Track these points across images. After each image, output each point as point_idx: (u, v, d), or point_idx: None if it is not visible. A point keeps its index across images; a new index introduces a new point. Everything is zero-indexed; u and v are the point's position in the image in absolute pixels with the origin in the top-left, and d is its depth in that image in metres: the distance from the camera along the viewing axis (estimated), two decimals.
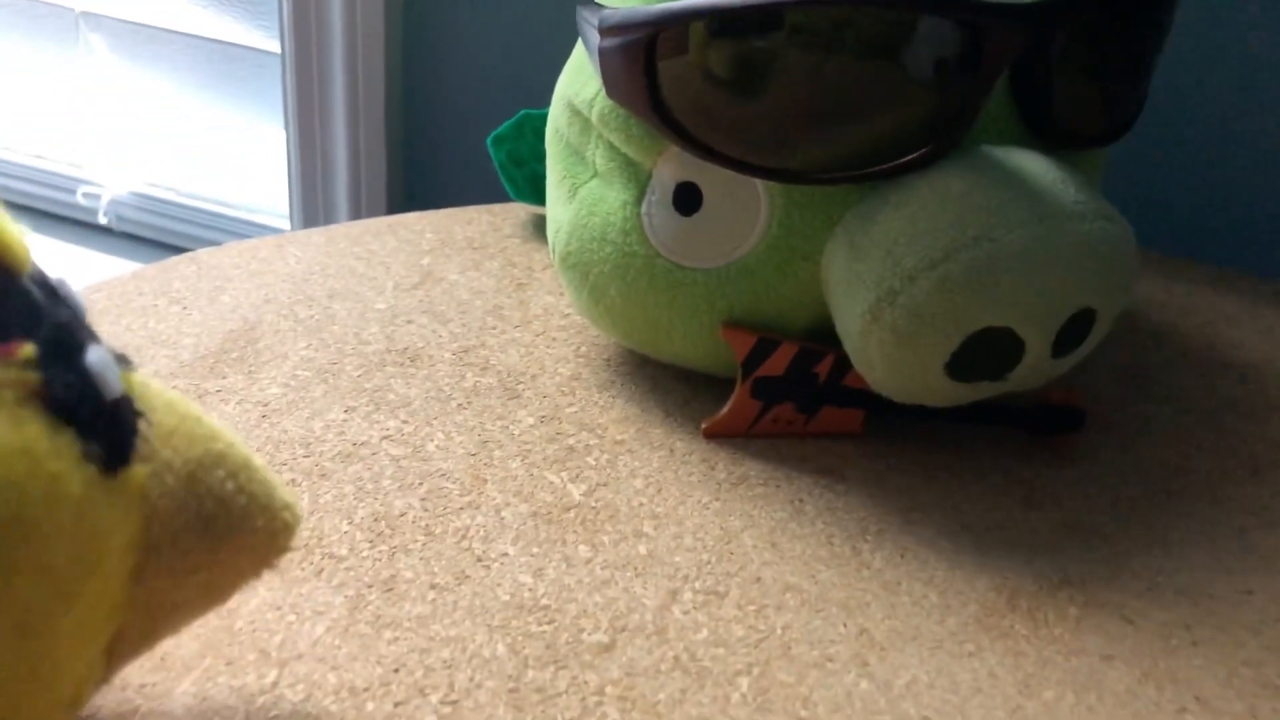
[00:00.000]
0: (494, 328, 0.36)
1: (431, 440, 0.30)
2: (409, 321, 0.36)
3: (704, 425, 0.31)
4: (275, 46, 0.61)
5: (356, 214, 0.61)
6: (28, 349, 0.17)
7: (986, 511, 0.29)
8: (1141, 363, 0.37)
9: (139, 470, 0.18)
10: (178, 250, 0.40)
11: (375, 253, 0.41)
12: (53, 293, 0.18)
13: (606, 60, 0.29)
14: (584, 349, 0.35)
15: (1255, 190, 0.49)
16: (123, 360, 0.19)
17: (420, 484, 0.29)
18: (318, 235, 0.42)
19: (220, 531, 0.20)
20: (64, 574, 0.17)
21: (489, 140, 0.41)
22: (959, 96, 0.27)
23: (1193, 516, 0.29)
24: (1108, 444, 0.32)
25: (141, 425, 0.18)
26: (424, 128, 0.62)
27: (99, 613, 0.18)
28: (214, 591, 0.20)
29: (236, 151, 0.73)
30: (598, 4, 0.31)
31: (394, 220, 0.43)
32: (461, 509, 0.28)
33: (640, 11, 0.28)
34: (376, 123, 0.59)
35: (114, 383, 0.18)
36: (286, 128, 0.62)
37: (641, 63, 0.28)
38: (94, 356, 0.18)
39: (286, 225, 0.65)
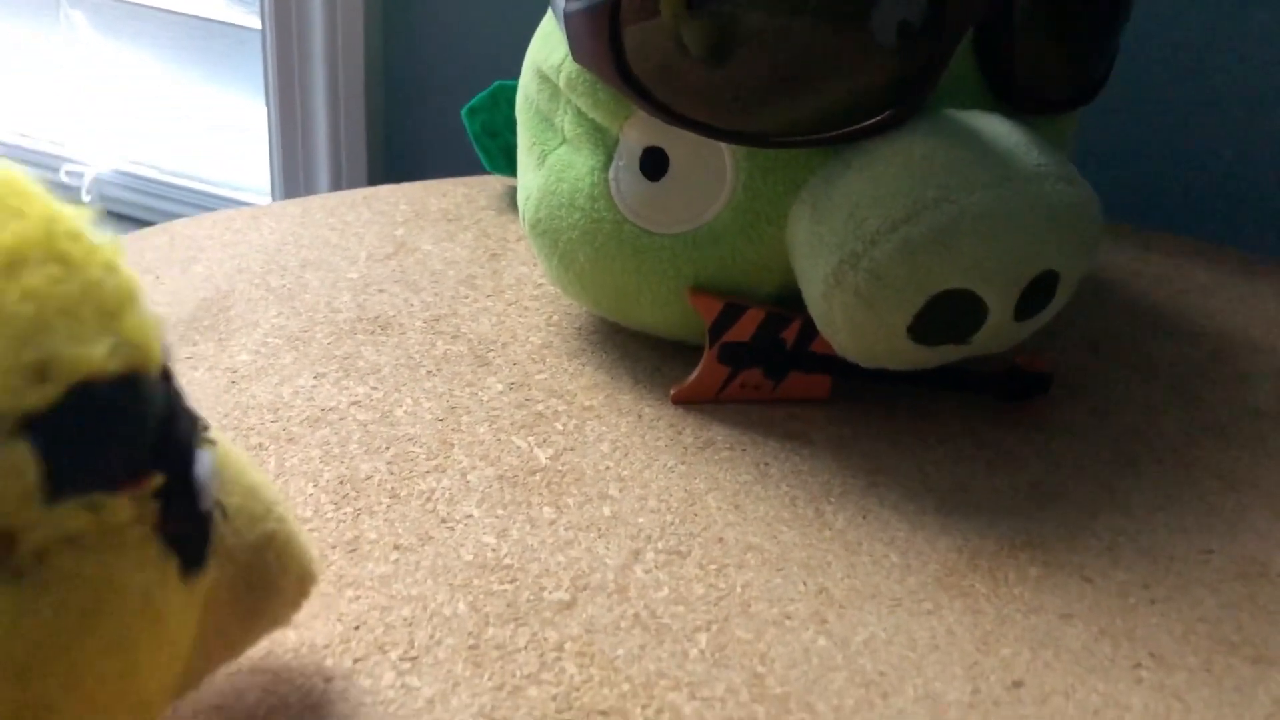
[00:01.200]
0: (466, 297, 0.36)
1: (400, 406, 0.30)
2: (381, 290, 0.36)
3: (672, 391, 0.31)
4: (256, 22, 0.61)
5: (337, 188, 0.61)
6: (157, 480, 0.16)
7: (950, 474, 0.29)
8: (1112, 331, 0.37)
9: (212, 567, 0.18)
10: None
11: (349, 224, 0.41)
12: (169, 384, 0.17)
13: (572, 24, 0.29)
14: (555, 318, 0.35)
15: (1232, 162, 0.49)
16: (203, 428, 0.18)
17: (387, 448, 0.29)
18: (293, 207, 0.42)
19: (259, 610, 0.19)
20: (152, 696, 0.16)
21: (463, 112, 0.41)
22: (921, 60, 0.27)
23: (1157, 480, 0.29)
24: (1074, 409, 0.32)
25: (217, 517, 0.18)
26: (404, 102, 0.62)
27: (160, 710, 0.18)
28: (238, 654, 0.20)
29: (219, 128, 0.73)
30: None
31: (369, 192, 0.43)
32: (427, 473, 0.28)
33: None
34: (356, 97, 0.59)
35: (213, 491, 0.17)
36: (267, 103, 0.62)
37: (606, 26, 0.28)
38: (203, 469, 0.17)
39: (269, 201, 0.65)
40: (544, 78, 0.32)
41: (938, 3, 0.26)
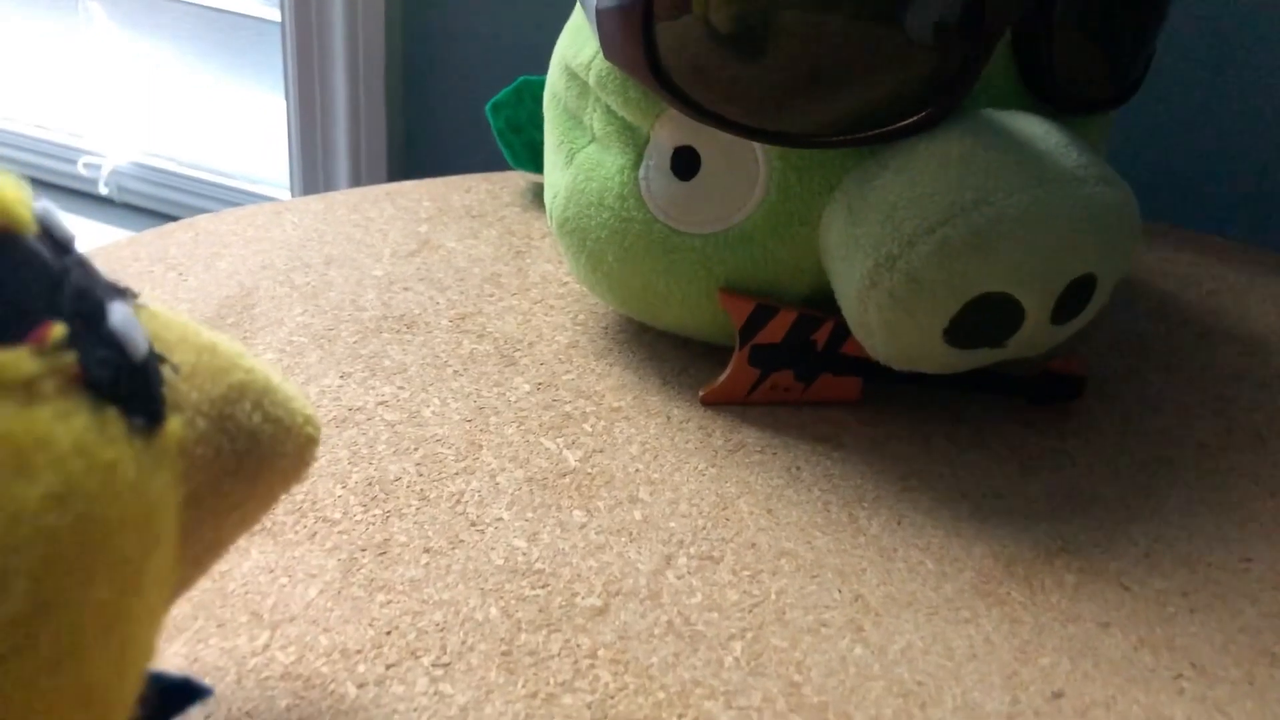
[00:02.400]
0: (491, 295, 0.36)
1: (427, 406, 0.30)
2: (406, 289, 0.36)
3: (701, 392, 0.31)
4: (275, 14, 0.61)
5: (356, 183, 0.60)
6: (58, 330, 0.15)
7: (984, 479, 0.29)
8: (1143, 332, 0.36)
9: (173, 422, 0.17)
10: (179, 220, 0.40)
11: (373, 220, 0.40)
12: (59, 246, 0.17)
13: (604, 21, 0.29)
14: (582, 317, 0.35)
15: (1265, 162, 0.48)
16: (128, 295, 0.18)
17: (415, 449, 0.28)
18: (315, 203, 0.42)
19: (254, 466, 0.19)
20: (135, 560, 0.16)
21: (487, 107, 0.41)
22: (959, 59, 0.27)
23: (1192, 485, 0.29)
24: (1108, 413, 0.32)
25: (167, 372, 0.18)
26: (424, 96, 0.62)
27: (163, 583, 0.17)
28: (250, 520, 0.20)
29: (237, 121, 0.73)
30: None
31: (392, 188, 0.43)
32: (456, 474, 0.28)
33: None
34: (376, 91, 0.58)
35: (140, 340, 0.17)
36: (286, 96, 0.61)
37: (639, 24, 0.28)
38: (118, 317, 0.16)
39: (287, 195, 0.65)
40: (573, 75, 0.32)
41: (976, 2, 0.26)
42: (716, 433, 0.30)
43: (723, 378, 0.31)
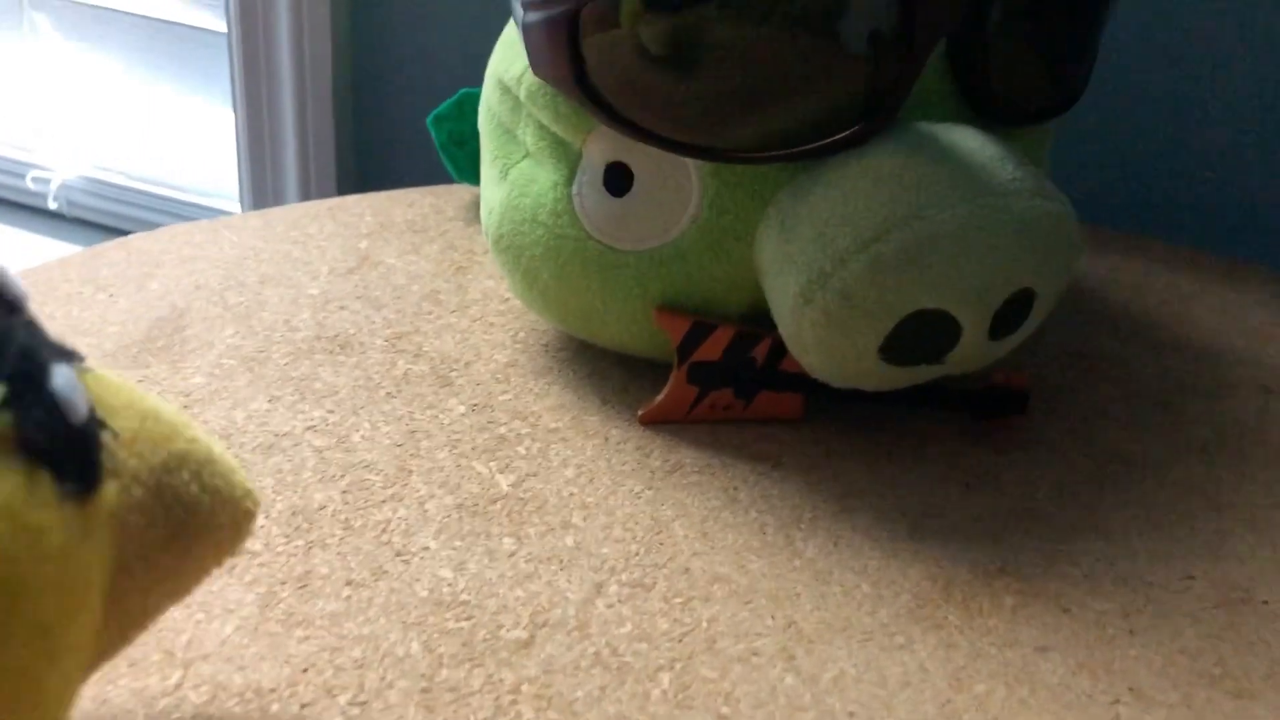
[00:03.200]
0: (429, 313, 0.35)
1: (357, 430, 0.29)
2: (342, 308, 0.35)
3: (640, 412, 0.31)
4: (222, 26, 0.60)
5: (306, 195, 0.60)
6: None
7: (925, 497, 0.28)
8: (1092, 342, 0.36)
9: (109, 489, 0.17)
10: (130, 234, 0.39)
11: (312, 236, 0.40)
12: (8, 305, 0.16)
13: (531, 36, 0.28)
14: (522, 335, 0.34)
15: (1215, 165, 0.48)
16: (73, 357, 0.17)
17: (342, 476, 0.28)
18: (254, 219, 0.41)
19: (188, 537, 0.19)
20: (54, 627, 0.16)
21: (429, 120, 0.40)
22: (891, 72, 0.26)
23: (1138, 501, 0.29)
24: (1054, 427, 0.31)
25: (106, 438, 0.17)
26: (374, 107, 0.61)
27: (82, 652, 0.17)
28: (181, 592, 0.19)
29: (187, 134, 0.72)
30: None
31: (334, 203, 0.42)
32: (384, 501, 0.27)
33: None
34: (324, 102, 0.57)
35: (80, 404, 0.16)
36: (234, 109, 0.60)
37: (566, 38, 0.27)
38: (60, 380, 0.16)
39: (238, 208, 0.64)
40: (505, 89, 0.31)
41: (907, 13, 0.25)
42: (654, 453, 0.29)
43: (661, 397, 0.30)
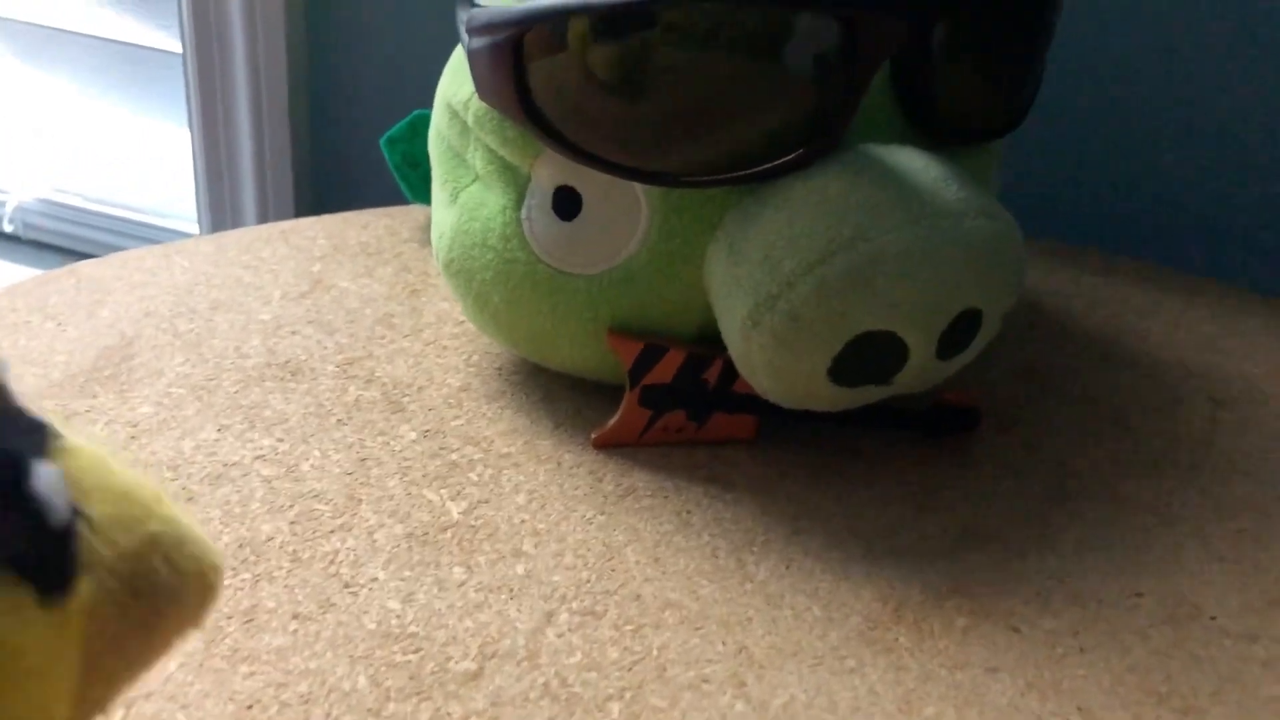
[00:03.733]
0: (382, 337, 0.35)
1: (307, 459, 0.29)
2: (293, 333, 0.35)
3: (593, 435, 0.30)
4: (178, 46, 0.60)
5: (264, 216, 0.59)
6: None
7: (877, 517, 0.28)
8: (1044, 358, 0.36)
9: (83, 585, 0.16)
10: (88, 257, 0.38)
11: (265, 260, 0.39)
12: None
13: (476, 61, 0.28)
14: (475, 358, 0.34)
15: (1167, 177, 0.49)
16: (48, 436, 0.16)
17: (291, 506, 0.27)
18: (206, 244, 0.40)
19: (157, 618, 0.18)
20: None
21: (382, 142, 0.40)
22: (836, 94, 0.26)
23: (1089, 518, 0.29)
24: (1006, 444, 0.32)
25: (82, 528, 0.16)
26: (332, 127, 0.60)
27: None
28: (144, 667, 0.19)
29: (144, 155, 0.71)
30: (471, 2, 0.30)
31: (287, 226, 0.42)
32: (332, 532, 0.27)
33: (509, 10, 0.27)
34: (280, 123, 0.57)
35: (61, 506, 0.16)
36: (191, 130, 0.60)
37: (510, 63, 0.27)
38: (43, 482, 0.15)
39: (196, 229, 0.63)
40: (454, 113, 0.31)
41: (850, 37, 0.25)
42: (607, 478, 0.29)
43: (614, 420, 0.30)
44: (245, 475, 0.28)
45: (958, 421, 0.31)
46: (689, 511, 0.28)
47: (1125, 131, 0.49)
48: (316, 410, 0.31)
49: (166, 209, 0.68)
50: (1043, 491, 0.30)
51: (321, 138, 0.60)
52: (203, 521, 0.27)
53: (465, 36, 0.28)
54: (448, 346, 0.35)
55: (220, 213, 0.61)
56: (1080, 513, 0.29)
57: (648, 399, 0.30)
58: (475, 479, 0.29)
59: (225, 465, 0.29)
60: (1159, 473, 0.31)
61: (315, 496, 0.28)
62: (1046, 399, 0.34)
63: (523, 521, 0.27)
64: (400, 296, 0.37)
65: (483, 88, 0.28)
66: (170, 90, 0.65)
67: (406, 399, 0.32)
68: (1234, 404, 0.34)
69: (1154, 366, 0.36)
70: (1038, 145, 0.49)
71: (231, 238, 0.41)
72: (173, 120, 0.71)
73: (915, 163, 0.27)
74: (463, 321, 0.36)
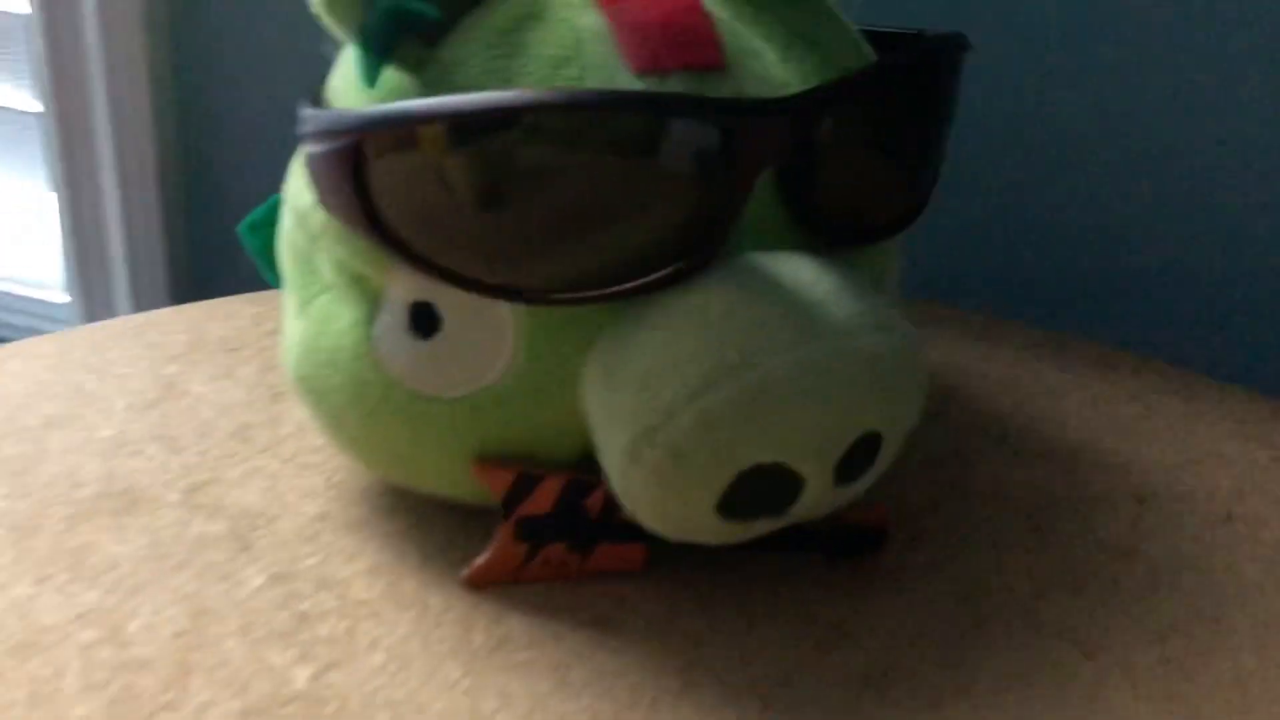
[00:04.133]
0: (235, 454, 0.31)
1: (135, 617, 0.26)
2: (136, 452, 0.31)
3: (464, 573, 0.27)
4: (38, 105, 0.56)
5: (135, 285, 0.55)
6: None
7: (775, 659, 0.26)
8: (957, 451, 0.34)
9: None
10: None
11: (113, 363, 0.36)
12: None
13: (315, 169, 0.25)
14: (338, 477, 0.31)
15: (1082, 246, 0.47)
16: None
17: (110, 681, 0.24)
18: (48, 345, 0.37)
19: None
20: None
21: (241, 229, 0.37)
22: (715, 202, 0.24)
23: (1005, 648, 0.26)
24: (915, 560, 0.29)
25: None
26: (208, 194, 0.57)
27: None
28: None
29: (10, 221, 0.67)
30: (314, 99, 0.27)
31: (143, 320, 0.38)
32: (154, 713, 0.23)
33: (349, 115, 0.24)
34: (149, 190, 0.53)
35: None
36: (57, 196, 0.56)
37: (351, 171, 0.24)
38: None
39: (65, 297, 0.59)
40: (300, 217, 0.28)
41: (729, 142, 0.23)
42: (478, 625, 0.26)
43: (486, 556, 0.27)
44: (61, 642, 0.25)
45: (863, 541, 0.28)
46: (569, 666, 0.25)
47: (1033, 192, 0.47)
48: (152, 552, 0.28)
49: (36, 278, 0.64)
50: (955, 620, 0.27)
51: (199, 207, 0.57)
52: (6, 706, 0.23)
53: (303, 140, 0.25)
54: (307, 464, 0.31)
55: (89, 284, 0.56)
56: (996, 644, 0.27)
57: (524, 531, 0.27)
58: (326, 634, 0.26)
59: (39, 630, 0.25)
60: (1077, 590, 0.28)
61: (140, 666, 0.24)
62: (956, 502, 0.31)
63: (378, 689, 0.24)
64: (260, 403, 0.34)
65: (324, 197, 0.25)
66: (30, 152, 0.61)
67: (256, 533, 0.29)
68: (1157, 500, 0.32)
69: (1072, 457, 0.34)
70: (934, 209, 0.48)
71: (79, 336, 0.37)
72: (38, 183, 0.67)
73: (804, 273, 0.24)
74: None
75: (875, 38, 0.31)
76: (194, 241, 0.57)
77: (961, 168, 0.47)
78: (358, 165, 0.24)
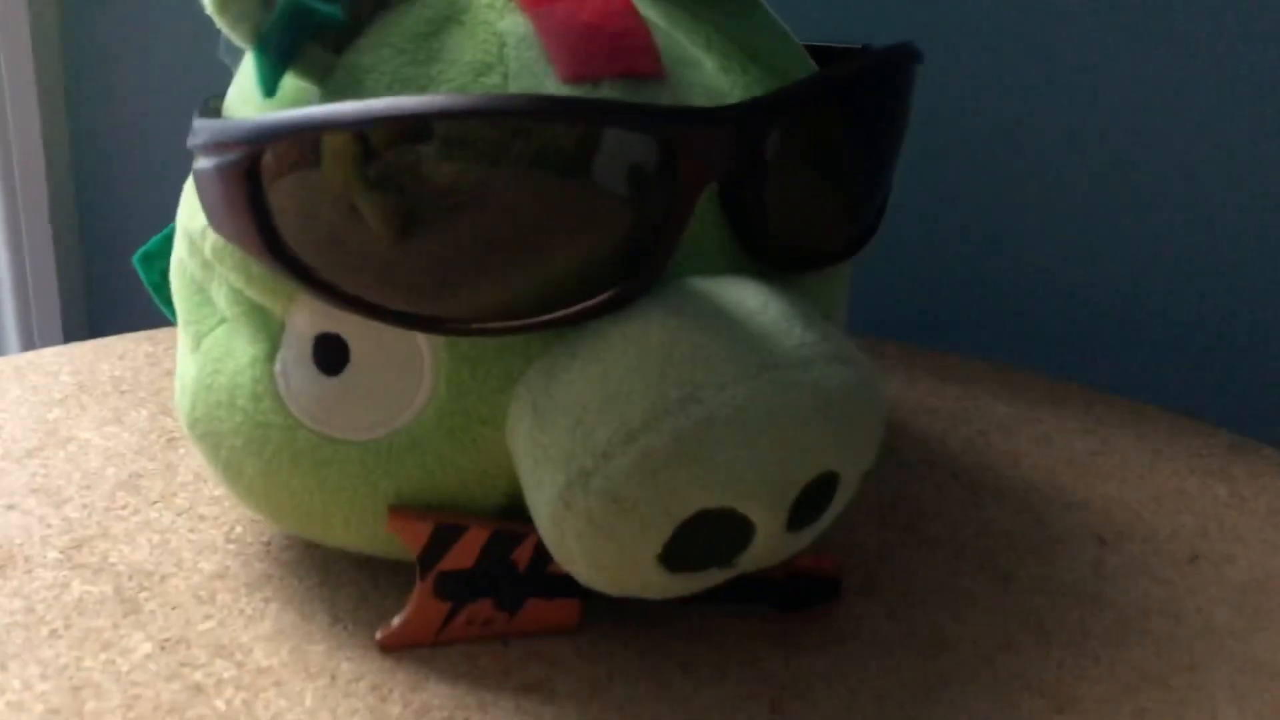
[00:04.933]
0: (124, 507, 0.28)
1: (3, 693, 0.23)
2: (10, 507, 0.28)
3: (379, 635, 0.25)
4: None
5: (26, 328, 0.51)
6: None
7: None
8: (909, 492, 0.32)
9: None
10: None
11: None
12: None
13: (204, 186, 0.22)
14: (238, 530, 0.28)
15: (1021, 276, 0.46)
16: None
17: None
18: None
19: None
20: None
21: (136, 259, 0.34)
22: (655, 222, 0.21)
23: (973, 705, 0.24)
24: (870, 611, 0.27)
25: None
26: (100, 232, 0.53)
27: None
28: None
29: None
30: (205, 108, 0.24)
31: (25, 360, 0.35)
32: None
33: (242, 124, 0.21)
34: (39, 218, 0.50)
35: None
36: None
37: (245, 189, 0.21)
38: None
39: None
40: (193, 242, 0.25)
41: (668, 156, 0.21)
42: (394, 694, 0.23)
43: (404, 616, 0.24)
44: None
45: (816, 591, 0.26)
46: None
47: (985, 223, 0.46)
48: (25, 619, 0.25)
49: None
50: (914, 674, 0.25)
51: (91, 239, 0.53)
52: None
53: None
54: (204, 516, 0.28)
55: None
56: (961, 700, 0.24)
57: (444, 589, 0.24)
58: (223, 708, 0.23)
59: None
60: (1044, 638, 0.26)
61: None
62: (911, 548, 0.30)
63: None
64: (153, 449, 0.31)
65: (215, 218, 0.22)
66: None
67: (144, 595, 0.26)
68: (1119, 541, 0.30)
69: (1029, 497, 0.32)
70: (880, 236, 0.46)
71: None
72: None
73: (751, 300, 0.22)
74: None
75: (819, 53, 0.29)
76: (89, 277, 0.54)
77: (904, 198, 0.45)
78: (252, 180, 0.21)
